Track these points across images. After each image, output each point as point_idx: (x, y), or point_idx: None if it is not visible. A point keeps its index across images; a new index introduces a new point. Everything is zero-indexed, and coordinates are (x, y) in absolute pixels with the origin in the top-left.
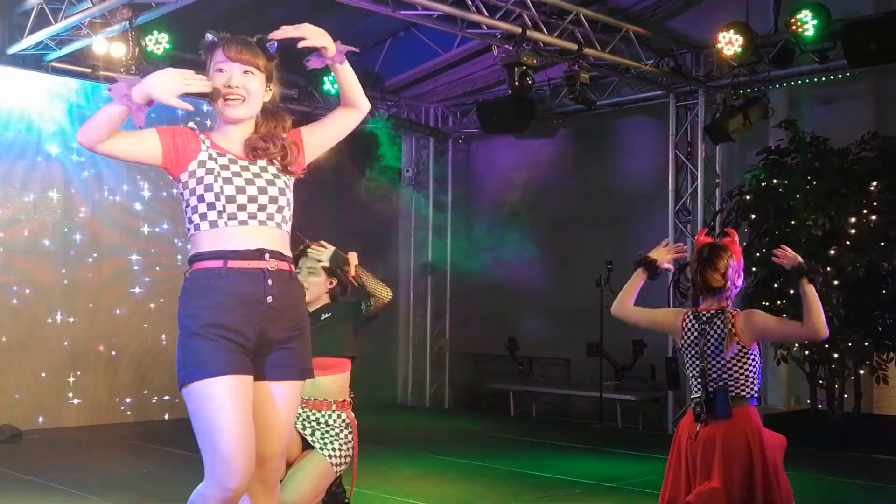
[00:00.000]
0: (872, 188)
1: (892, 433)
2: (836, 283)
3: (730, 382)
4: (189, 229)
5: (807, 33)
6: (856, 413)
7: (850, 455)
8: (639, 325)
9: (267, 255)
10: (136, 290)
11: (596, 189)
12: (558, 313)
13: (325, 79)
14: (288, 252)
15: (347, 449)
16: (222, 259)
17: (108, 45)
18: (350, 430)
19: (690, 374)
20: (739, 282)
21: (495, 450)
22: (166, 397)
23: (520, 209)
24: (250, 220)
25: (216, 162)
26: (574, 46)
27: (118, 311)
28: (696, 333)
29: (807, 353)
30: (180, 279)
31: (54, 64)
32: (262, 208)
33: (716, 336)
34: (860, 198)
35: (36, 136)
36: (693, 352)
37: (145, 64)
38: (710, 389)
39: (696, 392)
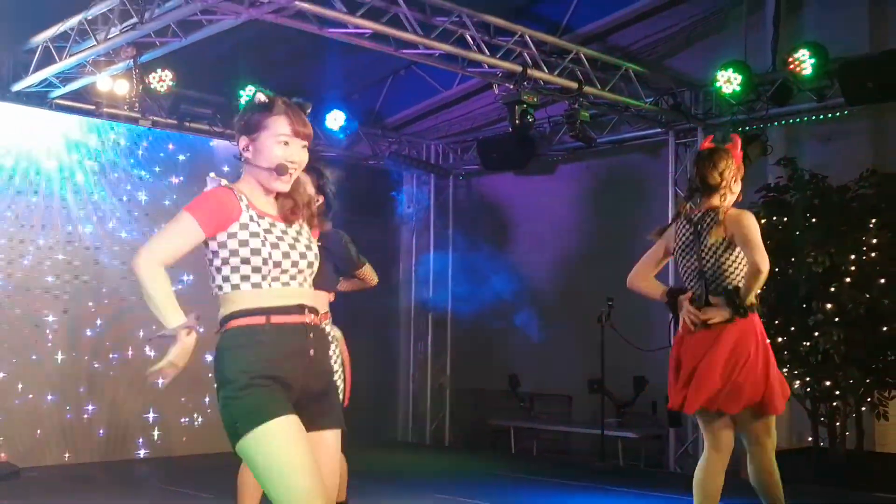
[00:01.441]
0: (872, 225)
1: (895, 471)
2: (836, 319)
3: (731, 280)
4: (222, 286)
5: (805, 72)
6: (858, 451)
7: (853, 494)
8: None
9: (306, 311)
10: (141, 331)
11: (596, 226)
12: (560, 350)
13: (327, 115)
14: (319, 308)
15: (336, 362)
16: (265, 315)
17: (112, 83)
18: (336, 342)
19: (686, 277)
20: (736, 188)
21: (496, 487)
22: (169, 434)
23: (521, 246)
24: (291, 281)
25: (259, 225)
26: (574, 85)
27: (117, 351)
28: (689, 234)
29: (808, 390)
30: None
31: (58, 101)
32: (301, 272)
33: (707, 231)
34: (860, 235)
35: (38, 173)
36: (688, 252)
37: (149, 101)
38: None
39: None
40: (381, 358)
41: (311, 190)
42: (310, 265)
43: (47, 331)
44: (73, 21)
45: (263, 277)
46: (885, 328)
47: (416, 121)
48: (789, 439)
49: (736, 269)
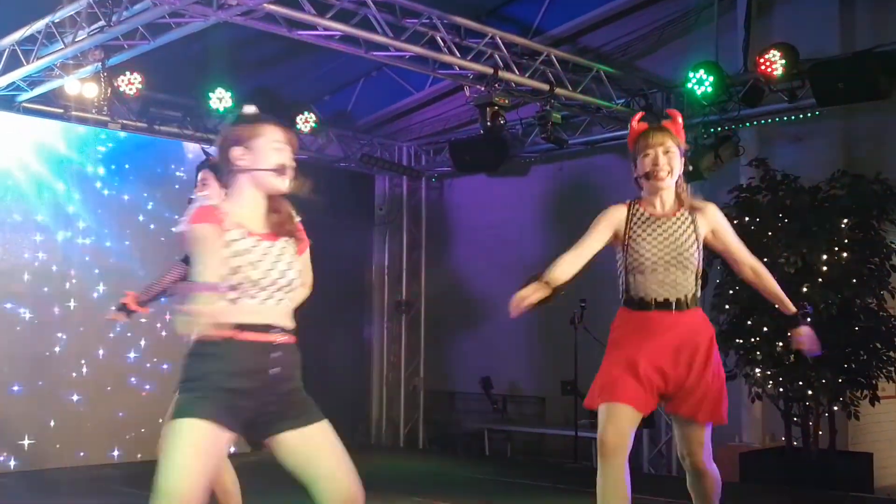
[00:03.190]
0: (843, 225)
1: (867, 470)
2: (808, 320)
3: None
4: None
5: (776, 73)
6: (831, 450)
7: (826, 493)
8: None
9: (273, 330)
10: (111, 331)
11: (569, 227)
12: (533, 351)
13: (298, 118)
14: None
15: None
16: (233, 330)
17: (80, 86)
18: None
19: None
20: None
21: (470, 490)
22: (142, 439)
23: (493, 247)
24: (267, 299)
25: (240, 244)
26: (545, 87)
27: (99, 353)
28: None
29: (781, 390)
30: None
31: (26, 104)
32: (279, 289)
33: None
34: (831, 235)
35: (7, 178)
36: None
37: (118, 105)
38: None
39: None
40: (354, 360)
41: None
42: (289, 283)
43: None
44: (40, 24)
45: (240, 294)
46: (857, 328)
47: (388, 122)
48: (762, 439)
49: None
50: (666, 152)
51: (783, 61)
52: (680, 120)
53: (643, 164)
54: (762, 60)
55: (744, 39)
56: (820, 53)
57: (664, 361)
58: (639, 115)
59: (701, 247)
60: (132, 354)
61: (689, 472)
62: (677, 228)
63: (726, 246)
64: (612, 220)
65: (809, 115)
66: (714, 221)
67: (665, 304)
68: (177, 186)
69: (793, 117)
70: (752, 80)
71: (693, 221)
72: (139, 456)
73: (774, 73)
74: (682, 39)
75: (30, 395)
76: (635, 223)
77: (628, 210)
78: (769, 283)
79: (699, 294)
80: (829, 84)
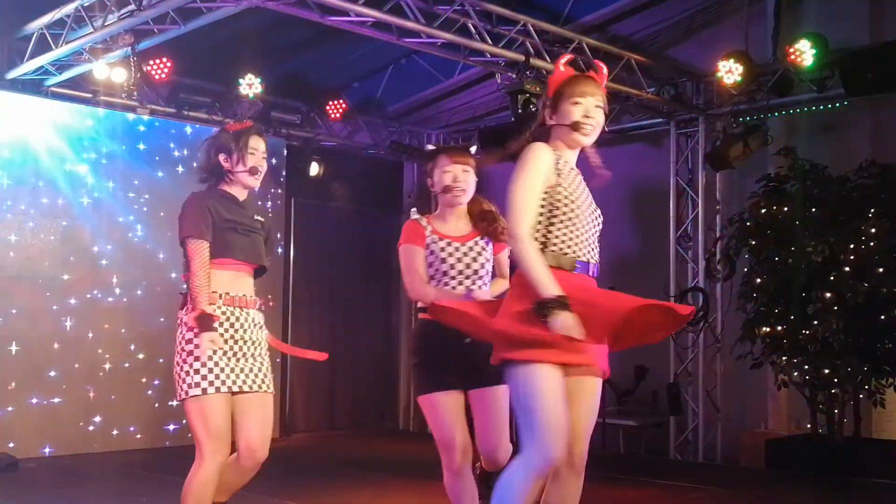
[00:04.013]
0: (871, 215)
1: (892, 457)
2: (835, 308)
3: None
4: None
5: (805, 63)
6: (855, 437)
7: (850, 479)
8: None
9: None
10: (136, 318)
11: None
12: None
13: (328, 105)
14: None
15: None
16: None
17: (108, 71)
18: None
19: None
20: (560, 116)
21: (496, 475)
22: (170, 427)
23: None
24: (458, 286)
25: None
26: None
27: (119, 339)
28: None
29: (806, 378)
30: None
31: (54, 89)
32: (467, 278)
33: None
34: (859, 225)
35: (35, 161)
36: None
37: (146, 90)
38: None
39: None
40: (382, 347)
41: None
42: (475, 273)
43: (44, 324)
44: (70, 7)
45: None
46: (882, 316)
47: (417, 110)
48: (788, 426)
49: None
50: (597, 106)
51: (813, 51)
52: (605, 73)
53: (571, 111)
54: (791, 50)
55: (773, 29)
56: (849, 44)
57: None
58: (567, 57)
59: None
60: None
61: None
62: (585, 185)
63: None
64: (545, 168)
65: (838, 105)
66: None
67: (584, 267)
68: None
69: (822, 107)
70: (781, 69)
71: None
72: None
73: (804, 63)
74: (711, 29)
75: (63, 379)
76: (561, 168)
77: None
78: None
79: None
80: (858, 74)
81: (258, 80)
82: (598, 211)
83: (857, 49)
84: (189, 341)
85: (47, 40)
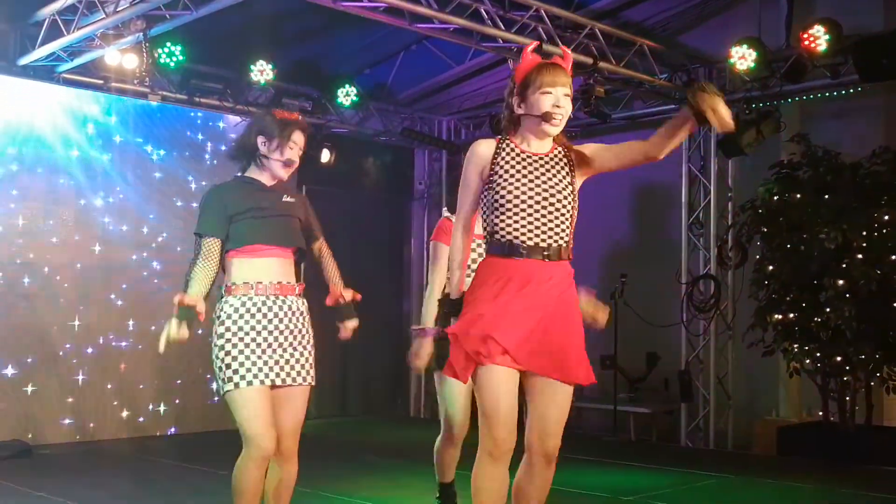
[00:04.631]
0: (884, 202)
1: None
2: (847, 295)
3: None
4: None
5: (819, 48)
6: (867, 425)
7: (862, 467)
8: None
9: None
10: (148, 307)
11: (609, 202)
12: None
13: (339, 91)
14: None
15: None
16: None
17: (120, 57)
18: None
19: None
20: (530, 106)
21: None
22: (176, 413)
23: None
24: None
25: None
26: (589, 60)
27: (135, 328)
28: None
29: (818, 365)
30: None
31: (65, 75)
32: None
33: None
34: (872, 212)
35: (46, 148)
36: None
37: (158, 76)
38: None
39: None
40: (393, 335)
41: None
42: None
43: (59, 309)
44: None
45: None
46: (895, 304)
47: (428, 96)
48: (800, 414)
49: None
50: (566, 95)
51: (826, 37)
52: (571, 57)
53: (541, 101)
54: (805, 36)
55: (786, 15)
56: (863, 29)
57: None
58: (534, 44)
59: (576, 189)
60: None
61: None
62: (552, 167)
63: (597, 153)
64: (480, 161)
65: (852, 91)
66: (584, 149)
67: (535, 250)
68: (215, 161)
69: (835, 93)
70: (794, 55)
71: (569, 160)
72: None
73: (817, 48)
74: (724, 14)
75: (82, 364)
76: (503, 158)
77: (497, 145)
78: None
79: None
80: (871, 60)
81: (270, 66)
82: (564, 194)
83: (871, 35)
84: (220, 336)
85: (59, 26)
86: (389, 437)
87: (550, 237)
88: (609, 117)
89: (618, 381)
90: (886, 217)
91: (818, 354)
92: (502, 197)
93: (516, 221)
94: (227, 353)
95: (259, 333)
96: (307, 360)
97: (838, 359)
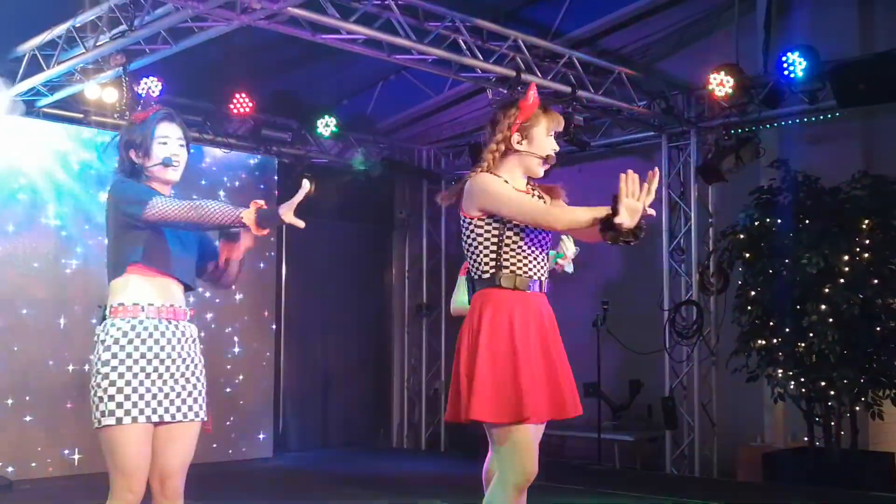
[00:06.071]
0: (864, 226)
1: (889, 469)
2: (830, 320)
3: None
4: None
5: (796, 74)
6: (853, 449)
7: (848, 492)
8: None
9: None
10: None
11: None
12: None
13: (318, 122)
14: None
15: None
16: None
17: (100, 91)
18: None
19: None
20: (529, 144)
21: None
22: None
23: None
24: None
25: None
26: (568, 89)
27: None
28: None
29: (803, 390)
30: None
31: (45, 110)
32: None
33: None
34: (853, 236)
35: (25, 182)
36: None
37: (138, 109)
38: None
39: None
40: (375, 364)
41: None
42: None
43: (39, 341)
44: (61, 28)
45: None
46: (878, 328)
47: (407, 126)
48: (785, 439)
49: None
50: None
51: (803, 63)
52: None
53: (547, 144)
54: (783, 62)
55: (764, 41)
56: (840, 55)
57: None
58: (533, 85)
59: None
60: None
61: None
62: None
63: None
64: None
65: (830, 116)
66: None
67: (539, 284)
68: (195, 196)
69: (813, 119)
70: (772, 81)
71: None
72: None
73: (795, 74)
74: (702, 41)
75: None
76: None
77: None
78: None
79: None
80: (849, 85)
81: (248, 98)
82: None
83: (847, 60)
84: (105, 362)
85: (39, 61)
86: (372, 469)
87: (544, 271)
88: (588, 145)
89: (601, 409)
90: (867, 241)
91: (802, 379)
92: (522, 230)
93: (526, 255)
94: (112, 384)
95: (150, 362)
96: (200, 392)
97: (822, 384)
